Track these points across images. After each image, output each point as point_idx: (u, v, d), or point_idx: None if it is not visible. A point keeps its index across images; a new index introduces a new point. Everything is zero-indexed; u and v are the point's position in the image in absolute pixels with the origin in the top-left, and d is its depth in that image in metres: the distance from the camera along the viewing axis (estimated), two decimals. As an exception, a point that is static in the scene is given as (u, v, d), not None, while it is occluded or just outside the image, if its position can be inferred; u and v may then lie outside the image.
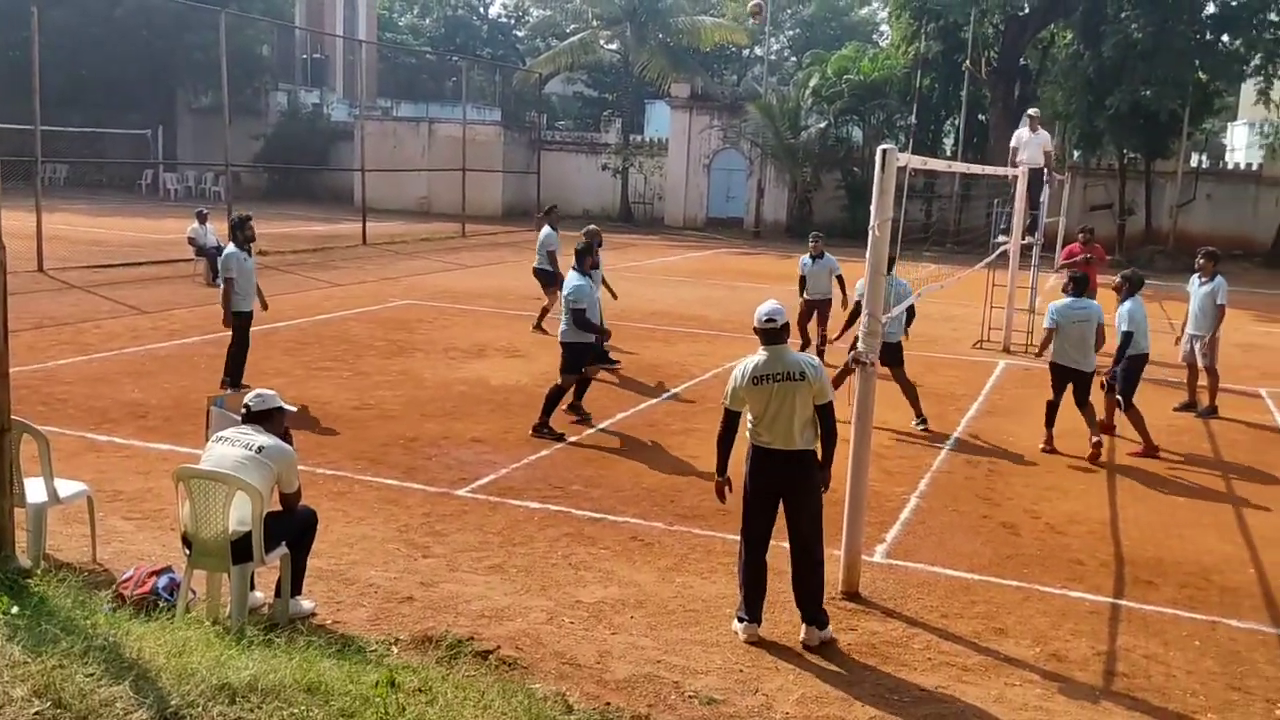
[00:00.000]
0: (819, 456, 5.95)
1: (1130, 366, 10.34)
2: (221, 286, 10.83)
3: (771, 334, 5.94)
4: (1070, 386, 10.07)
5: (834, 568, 6.44)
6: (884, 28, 49.11)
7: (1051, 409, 10.26)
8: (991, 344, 15.76)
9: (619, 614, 6.17)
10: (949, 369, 14.10)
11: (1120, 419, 10.55)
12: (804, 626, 5.90)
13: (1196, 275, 12.18)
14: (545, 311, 15.75)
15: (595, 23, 40.98)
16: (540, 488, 8.39)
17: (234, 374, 10.71)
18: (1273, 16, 30.20)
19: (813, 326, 14.19)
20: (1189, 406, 12.16)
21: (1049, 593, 6.81)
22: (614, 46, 42.03)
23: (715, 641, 5.89)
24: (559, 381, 10.12)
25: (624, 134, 40.09)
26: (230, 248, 10.82)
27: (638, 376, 12.77)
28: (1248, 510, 8.74)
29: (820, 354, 13.97)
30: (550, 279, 15.55)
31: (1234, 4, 30.45)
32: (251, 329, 11.09)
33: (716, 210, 37.84)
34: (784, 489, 5.93)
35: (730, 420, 6.02)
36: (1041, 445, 10.28)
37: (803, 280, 14.18)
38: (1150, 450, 10.16)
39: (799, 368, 5.86)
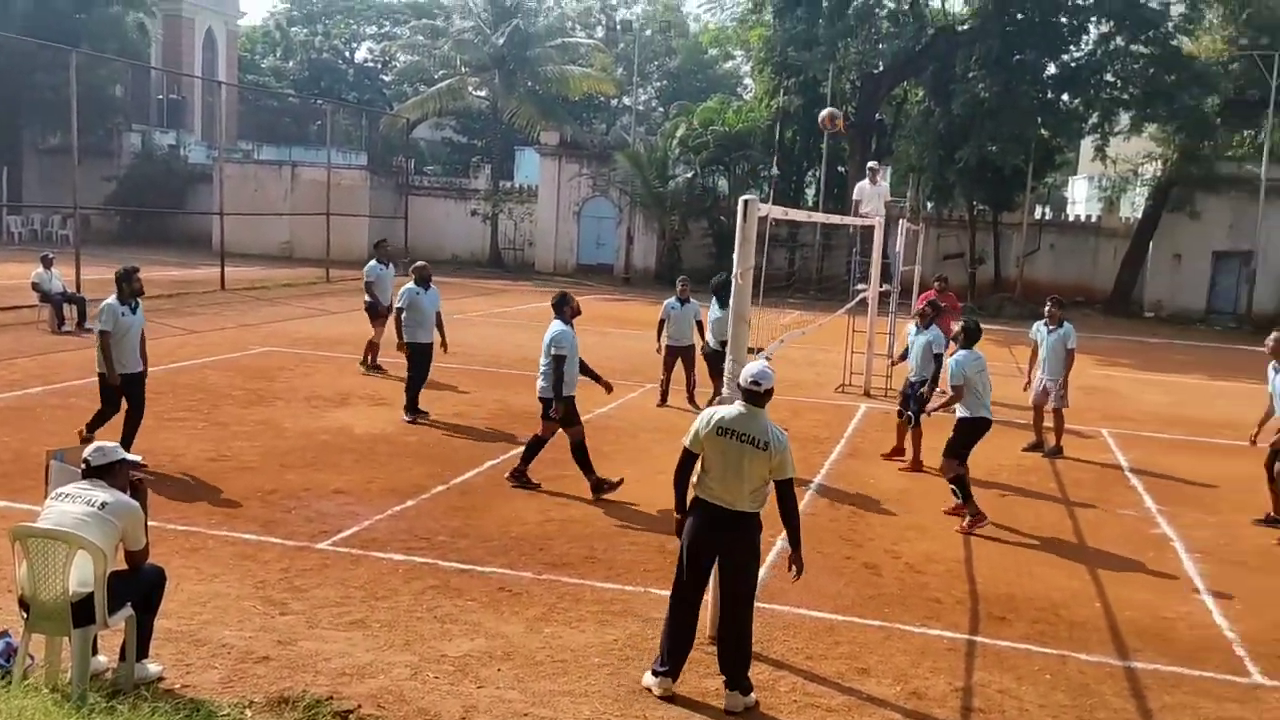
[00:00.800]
0: (769, 524, 5.89)
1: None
2: (97, 339, 10.00)
3: (753, 395, 5.86)
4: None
5: (701, 613, 6.46)
6: (748, 81, 50.54)
7: (965, 478, 9.47)
8: (853, 388, 16.20)
9: (485, 667, 6.06)
10: (813, 413, 14.42)
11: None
12: (726, 692, 5.79)
13: (1043, 323, 12.79)
14: (370, 346, 15.69)
15: (464, 69, 40.99)
16: (405, 539, 8.21)
17: (90, 428, 9.95)
18: (1109, 77, 32.24)
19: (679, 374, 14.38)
20: (1036, 447, 12.71)
21: (909, 631, 6.98)
22: (483, 93, 42.07)
23: (584, 692, 5.83)
24: (539, 432, 9.91)
25: (493, 180, 40.08)
26: (110, 299, 10.00)
27: (509, 423, 12.66)
28: (1093, 546, 9.15)
29: (691, 401, 14.17)
30: (372, 312, 15.59)
31: (1073, 65, 32.39)
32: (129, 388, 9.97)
33: (587, 257, 38.06)
34: (721, 548, 5.84)
35: (687, 460, 5.97)
36: (973, 524, 9.28)
37: (662, 323, 14.36)
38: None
39: (765, 437, 5.77)
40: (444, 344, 13.18)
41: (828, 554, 8.46)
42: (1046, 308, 12.86)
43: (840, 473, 11.25)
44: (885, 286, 16.87)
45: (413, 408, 12.66)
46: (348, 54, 64.14)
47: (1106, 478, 11.79)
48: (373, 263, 16.01)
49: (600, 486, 9.73)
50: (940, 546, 8.87)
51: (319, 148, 43.10)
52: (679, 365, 14.41)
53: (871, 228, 16.26)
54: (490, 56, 38.98)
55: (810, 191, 39.61)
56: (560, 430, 9.82)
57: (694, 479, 5.93)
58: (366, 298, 15.84)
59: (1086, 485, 11.34)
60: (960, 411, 9.57)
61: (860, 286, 17.18)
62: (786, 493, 5.83)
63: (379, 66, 62.96)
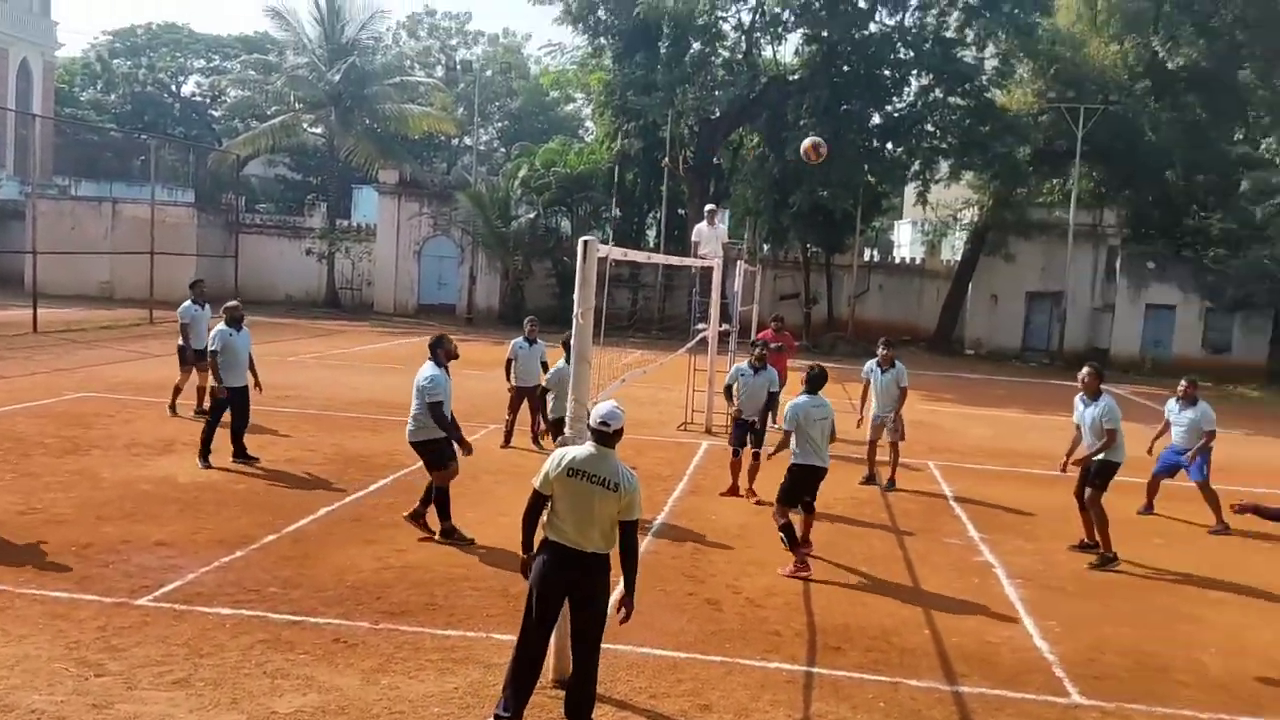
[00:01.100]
0: (616, 567, 5.81)
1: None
2: None
3: (602, 435, 5.85)
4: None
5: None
6: (589, 123, 51.12)
7: (791, 527, 9.31)
8: (695, 426, 16.43)
9: (319, 722, 5.82)
10: (656, 451, 14.54)
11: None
12: None
13: (876, 363, 13.29)
14: (177, 391, 15.19)
15: (298, 106, 40.08)
16: (233, 592, 7.83)
17: None
18: (929, 127, 34.00)
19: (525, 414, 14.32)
20: (870, 479, 13.14)
21: (750, 665, 7.07)
22: (318, 130, 41.22)
23: (423, 743, 5.67)
24: (433, 481, 9.58)
25: (330, 219, 39.21)
26: None
27: (345, 468, 12.31)
28: (922, 574, 9.49)
29: (536, 442, 14.08)
30: (181, 355, 15.05)
31: (896, 116, 34.04)
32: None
33: (428, 297, 37.61)
34: (571, 590, 5.79)
35: (537, 501, 5.91)
36: (795, 570, 9.15)
37: (509, 364, 14.27)
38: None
39: (615, 478, 5.77)
40: (257, 384, 12.68)
41: (670, 591, 8.50)
42: (880, 350, 13.37)
43: (683, 510, 11.35)
44: (725, 326, 17.23)
45: (240, 453, 12.18)
46: (174, 88, 61.91)
47: (934, 508, 12.28)
48: (187, 303, 15.29)
49: (450, 534, 9.54)
50: (779, 580, 9.04)
51: (143, 184, 41.31)
52: (524, 406, 14.33)
53: (710, 269, 16.60)
54: (326, 94, 38.25)
55: (651, 233, 40.24)
56: (427, 470, 9.62)
57: (543, 519, 5.89)
58: (180, 340, 15.17)
59: (915, 516, 11.77)
60: (794, 457, 9.61)
61: (700, 326, 17.48)
62: (630, 533, 5.84)
63: (208, 101, 60.99)
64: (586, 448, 5.90)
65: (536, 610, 5.82)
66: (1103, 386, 10.53)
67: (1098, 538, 10.28)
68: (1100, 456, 10.18)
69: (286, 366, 20.53)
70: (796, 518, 9.57)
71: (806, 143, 14.27)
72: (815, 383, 9.70)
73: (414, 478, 12.01)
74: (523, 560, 6.02)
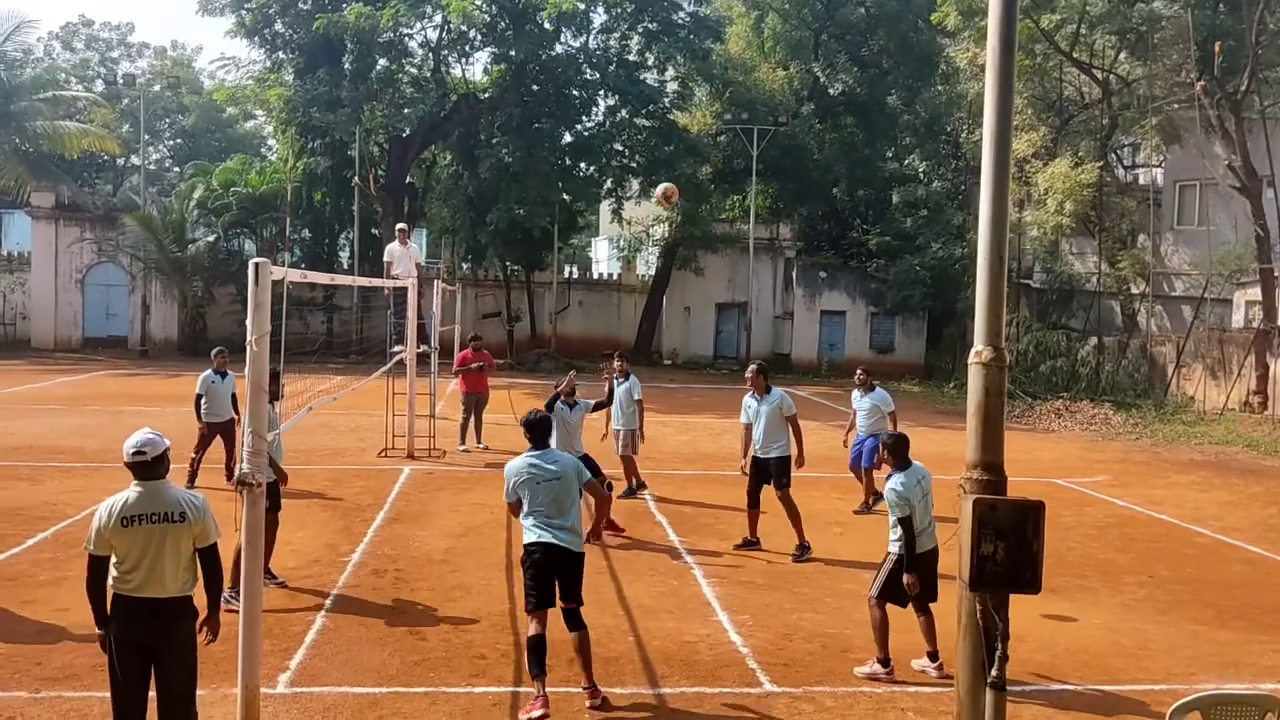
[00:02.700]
0: (196, 603, 5.36)
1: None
2: None
3: (142, 467, 5.31)
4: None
5: (231, 707, 5.98)
6: (271, 142, 48.83)
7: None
8: (396, 451, 15.99)
9: (-38, 816, 5.13)
10: (356, 480, 14.04)
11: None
12: None
13: (616, 376, 13.51)
14: None
15: (-70, 122, 35.74)
16: None
17: None
18: (618, 146, 35.02)
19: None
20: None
21: (454, 693, 6.93)
22: (-43, 150, 36.89)
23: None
24: None
25: (-26, 248, 35.25)
26: None
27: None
28: (625, 581, 9.69)
29: (230, 478, 13.08)
30: None
31: (586, 135, 34.82)
32: None
33: (95, 329, 34.57)
34: (154, 643, 5.25)
35: (97, 566, 5.29)
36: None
37: (199, 400, 13.23)
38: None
39: (179, 507, 5.28)
40: None
41: (370, 625, 8.20)
42: (615, 362, 13.79)
43: (385, 539, 11.00)
44: (423, 347, 16.91)
45: None
46: None
47: (636, 515, 12.57)
48: None
49: None
50: (485, 602, 8.94)
51: None
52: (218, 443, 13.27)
53: (405, 289, 16.26)
54: (-39, 111, 34.35)
55: (345, 254, 38.97)
56: None
57: (110, 580, 5.31)
58: None
59: (619, 525, 11.99)
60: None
61: (397, 349, 17.05)
62: (210, 558, 5.40)
63: None
64: (133, 489, 5.35)
65: (123, 675, 5.26)
66: (781, 389, 11.23)
67: (793, 530, 10.86)
68: (776, 454, 10.83)
69: (-76, 413, 18.19)
70: None
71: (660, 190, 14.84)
72: (534, 431, 7.16)
73: (79, 527, 10.95)
74: (99, 637, 5.38)
